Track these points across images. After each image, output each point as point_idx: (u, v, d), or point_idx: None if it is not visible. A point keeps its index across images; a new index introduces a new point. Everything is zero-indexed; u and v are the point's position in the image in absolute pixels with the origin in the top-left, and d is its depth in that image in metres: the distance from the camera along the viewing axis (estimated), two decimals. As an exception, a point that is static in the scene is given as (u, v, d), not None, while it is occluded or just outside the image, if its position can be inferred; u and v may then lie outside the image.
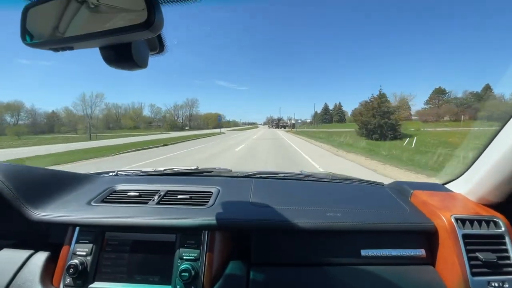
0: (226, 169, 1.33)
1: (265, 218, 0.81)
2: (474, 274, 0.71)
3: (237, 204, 0.90)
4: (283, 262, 0.79)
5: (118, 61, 0.45)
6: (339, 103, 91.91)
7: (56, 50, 0.45)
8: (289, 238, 0.82)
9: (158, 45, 0.50)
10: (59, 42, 0.44)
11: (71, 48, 0.45)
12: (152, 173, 1.24)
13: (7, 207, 0.76)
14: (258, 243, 0.81)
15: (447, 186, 1.04)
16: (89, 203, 0.88)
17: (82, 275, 0.73)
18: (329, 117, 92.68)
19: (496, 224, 0.78)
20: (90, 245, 0.76)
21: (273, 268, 0.77)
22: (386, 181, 1.25)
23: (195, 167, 1.29)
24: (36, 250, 0.80)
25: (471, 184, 0.89)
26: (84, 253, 0.76)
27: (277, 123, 72.46)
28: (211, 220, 0.78)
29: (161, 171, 1.26)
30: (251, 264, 0.78)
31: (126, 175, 1.23)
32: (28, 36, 0.44)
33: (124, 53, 0.44)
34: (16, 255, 0.77)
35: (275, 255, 0.80)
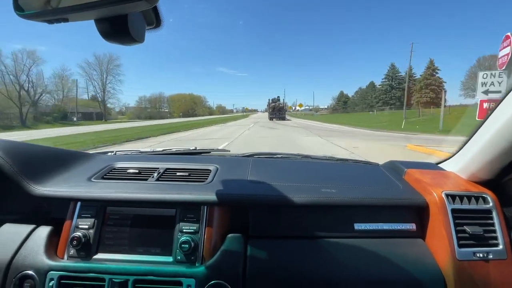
0: (224, 150, 1.41)
1: (262, 193, 0.84)
2: (461, 245, 0.74)
3: (235, 180, 0.92)
4: (279, 235, 0.82)
5: (114, 34, 0.44)
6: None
7: (50, 22, 0.43)
8: (285, 213, 0.84)
9: (154, 19, 0.47)
10: (53, 13, 0.41)
11: (66, 20, 0.43)
12: (151, 153, 1.27)
13: (7, 182, 0.78)
14: (255, 217, 0.84)
15: (440, 165, 1.06)
16: (89, 179, 0.89)
17: (86, 247, 0.75)
18: (387, 95, 50.18)
19: (484, 200, 0.81)
20: (92, 220, 0.78)
21: (270, 240, 0.80)
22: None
23: (193, 148, 1.33)
24: (38, 225, 0.81)
25: (463, 163, 0.92)
26: (87, 227, 0.77)
27: (274, 108, 36.35)
28: (209, 195, 0.80)
29: (160, 151, 1.29)
30: (249, 236, 0.80)
31: (125, 154, 1.24)
32: (21, 7, 0.41)
33: (120, 26, 0.42)
34: (19, 229, 0.79)
35: (271, 228, 0.83)
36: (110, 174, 0.95)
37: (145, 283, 0.70)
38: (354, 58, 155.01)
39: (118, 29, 0.43)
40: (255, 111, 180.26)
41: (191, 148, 1.31)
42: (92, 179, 0.89)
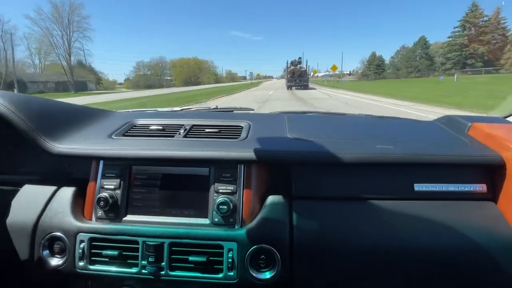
0: (247, 108, 1.31)
1: (307, 150, 0.75)
2: None
3: (274, 137, 0.83)
4: (326, 196, 0.75)
5: None
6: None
7: None
8: (333, 172, 0.76)
9: None
10: None
11: None
12: (169, 112, 1.22)
13: (22, 140, 0.73)
14: (299, 177, 0.76)
15: (509, 119, 0.97)
16: (110, 136, 0.82)
17: (114, 208, 0.71)
18: (462, 53, 34.06)
19: None
20: (118, 180, 0.74)
21: (316, 202, 0.73)
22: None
23: (214, 106, 1.27)
24: (60, 186, 0.78)
25: None
26: (112, 187, 0.73)
27: (293, 73, 26.17)
28: (247, 152, 0.72)
29: (178, 110, 1.23)
30: (292, 197, 0.74)
31: (143, 112, 1.18)
32: None
33: None
34: (41, 190, 0.77)
35: (317, 189, 0.75)
36: (132, 131, 0.88)
37: (181, 246, 0.67)
38: (389, 10, 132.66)
39: None
40: (270, 77, 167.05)
41: (212, 107, 1.24)
42: (113, 136, 0.82)
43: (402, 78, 43.99)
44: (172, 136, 0.82)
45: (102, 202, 0.69)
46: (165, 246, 0.66)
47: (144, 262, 0.66)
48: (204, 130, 0.85)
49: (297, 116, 1.09)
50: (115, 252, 0.66)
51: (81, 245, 0.68)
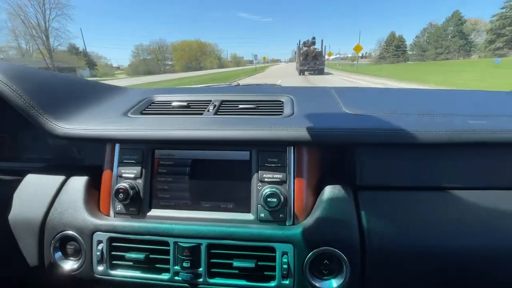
0: (274, 84, 1.16)
1: (376, 127, 0.60)
2: None
3: (327, 112, 0.70)
4: (401, 185, 0.62)
5: None
6: None
7: None
8: (409, 155, 0.62)
9: None
10: None
11: None
12: (188, 88, 1.11)
13: (22, 120, 0.62)
14: (365, 162, 0.62)
15: None
16: (125, 114, 0.72)
17: (135, 201, 0.62)
18: None
19: None
20: (138, 167, 0.63)
21: (389, 192, 0.60)
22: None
23: (236, 83, 1.15)
24: (69, 175, 0.68)
25: None
26: (133, 176, 0.63)
27: (307, 55, 22.17)
28: (298, 131, 0.59)
29: (198, 87, 1.10)
30: (357, 187, 0.61)
31: (159, 88, 1.03)
32: None
33: None
34: (47, 181, 0.67)
35: (389, 177, 0.62)
36: (151, 108, 0.78)
37: (223, 248, 0.57)
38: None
39: None
40: (278, 61, 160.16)
41: (234, 84, 1.10)
42: (129, 115, 0.72)
43: (429, 60, 38.64)
44: (200, 114, 0.71)
45: (121, 194, 0.59)
46: (203, 248, 0.56)
47: (177, 268, 0.57)
48: (237, 106, 0.73)
49: (347, 89, 0.93)
50: (141, 256, 0.57)
51: (99, 246, 0.59)
